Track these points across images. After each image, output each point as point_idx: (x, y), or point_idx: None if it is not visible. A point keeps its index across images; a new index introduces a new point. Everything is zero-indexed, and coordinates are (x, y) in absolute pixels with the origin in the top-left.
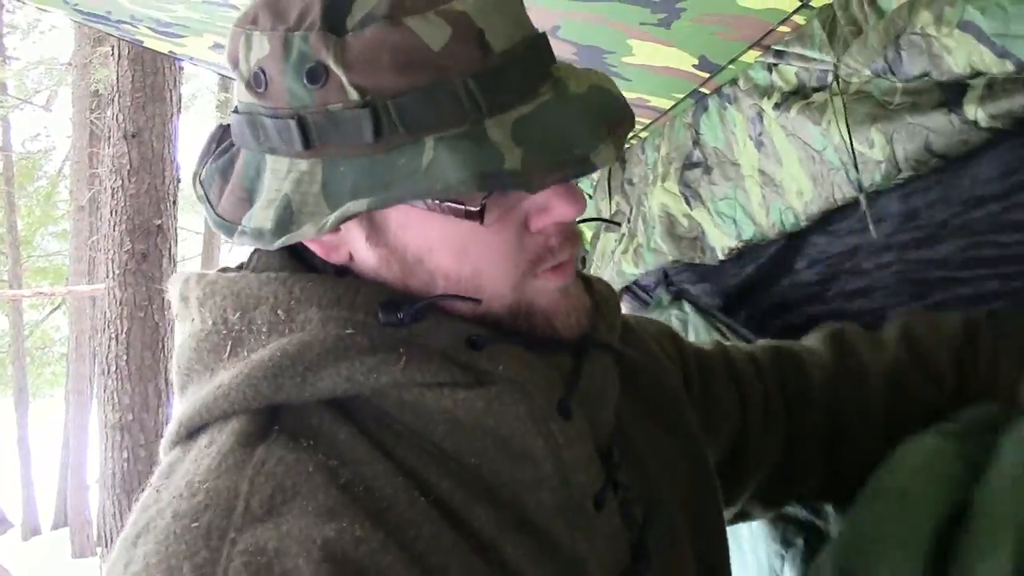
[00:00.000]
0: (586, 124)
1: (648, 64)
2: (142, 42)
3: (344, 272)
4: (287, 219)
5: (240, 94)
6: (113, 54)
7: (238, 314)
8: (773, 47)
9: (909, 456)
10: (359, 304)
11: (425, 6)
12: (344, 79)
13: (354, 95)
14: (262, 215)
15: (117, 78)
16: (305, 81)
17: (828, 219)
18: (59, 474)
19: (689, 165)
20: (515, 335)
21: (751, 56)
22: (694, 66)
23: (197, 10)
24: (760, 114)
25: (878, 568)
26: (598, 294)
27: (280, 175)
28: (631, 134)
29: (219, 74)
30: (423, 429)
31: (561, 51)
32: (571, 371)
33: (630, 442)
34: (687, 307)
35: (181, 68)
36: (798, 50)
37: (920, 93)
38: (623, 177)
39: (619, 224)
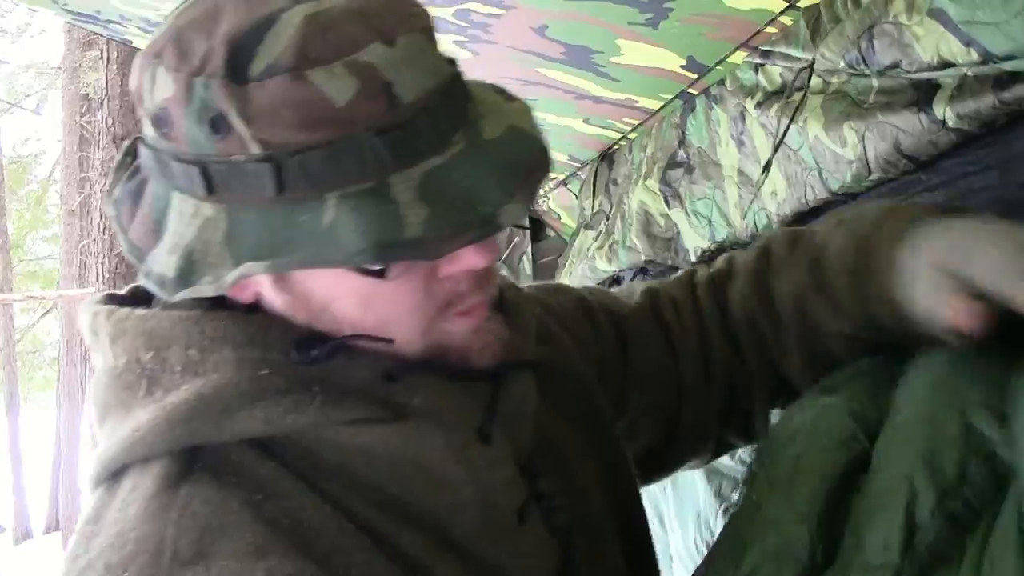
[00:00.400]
0: (496, 177)
1: (636, 64)
2: (131, 42)
3: (255, 307)
4: (188, 270)
5: (146, 127)
6: (102, 58)
7: (151, 354)
8: (760, 47)
9: (796, 418)
10: (272, 343)
11: (332, 56)
12: (245, 133)
13: (256, 149)
14: (165, 261)
15: (106, 82)
16: (207, 130)
17: (800, 221)
18: (51, 478)
19: (672, 164)
20: (432, 366)
21: (739, 57)
22: (682, 67)
23: None
24: (743, 113)
25: (766, 537)
26: (511, 306)
27: (186, 217)
28: (620, 136)
29: None
30: (344, 462)
31: (549, 50)
32: (490, 395)
33: (551, 445)
34: None
35: None
36: (783, 49)
37: (894, 92)
38: (609, 177)
39: (525, 228)
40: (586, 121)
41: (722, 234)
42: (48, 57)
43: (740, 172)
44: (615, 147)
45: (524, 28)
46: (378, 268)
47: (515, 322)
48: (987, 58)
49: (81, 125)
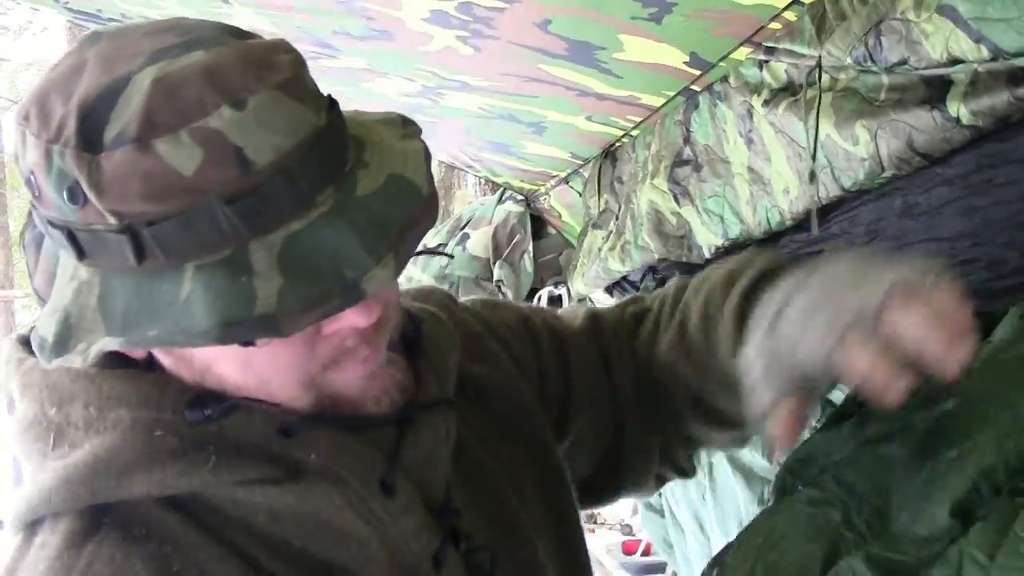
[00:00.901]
0: (364, 240)
1: (639, 61)
2: None
3: (151, 366)
4: (65, 335)
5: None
6: None
7: (54, 409)
8: (764, 44)
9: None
10: (166, 403)
11: (177, 124)
12: (98, 204)
13: (111, 220)
14: (48, 322)
15: None
16: (66, 199)
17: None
18: None
19: (679, 162)
20: (329, 417)
21: (742, 53)
22: (685, 63)
23: (188, 6)
24: (750, 111)
25: None
26: (428, 341)
27: (66, 277)
28: (623, 133)
29: None
30: (247, 517)
31: (551, 46)
32: (394, 442)
33: (478, 473)
34: None
35: None
36: (787, 46)
37: (905, 89)
38: (613, 175)
39: (448, 255)
40: (588, 118)
41: (735, 231)
42: (49, 55)
43: (751, 169)
44: (617, 144)
45: (527, 23)
46: (244, 341)
47: (431, 359)
48: (998, 54)
49: None
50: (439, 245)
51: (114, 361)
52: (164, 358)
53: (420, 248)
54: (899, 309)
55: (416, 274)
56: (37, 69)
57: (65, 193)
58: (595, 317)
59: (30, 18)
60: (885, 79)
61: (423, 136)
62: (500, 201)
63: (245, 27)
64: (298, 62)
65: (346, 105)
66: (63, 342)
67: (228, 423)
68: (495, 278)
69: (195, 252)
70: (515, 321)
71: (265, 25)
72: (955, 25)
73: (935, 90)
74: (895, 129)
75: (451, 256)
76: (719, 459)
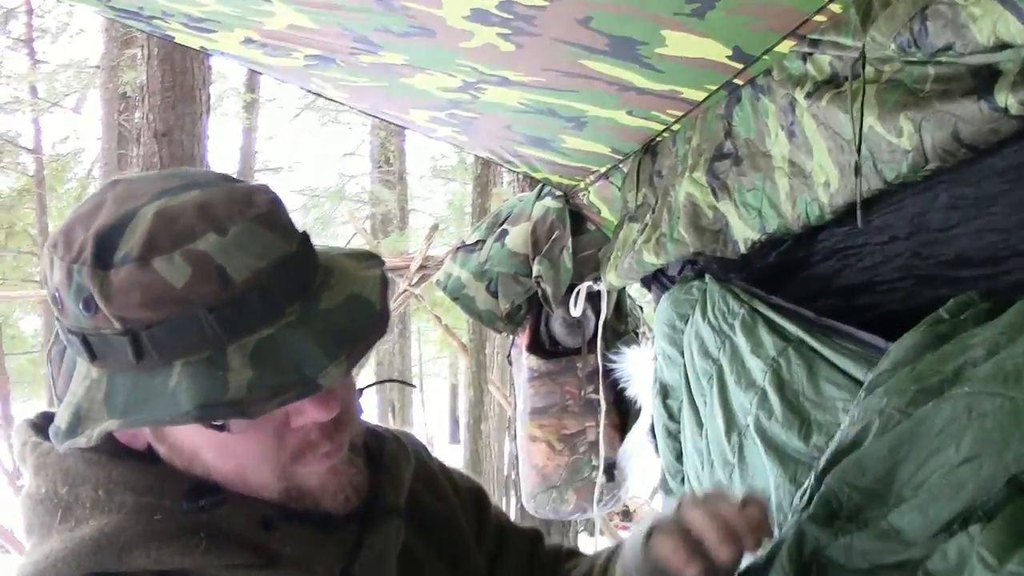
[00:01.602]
0: (322, 345)
1: (681, 55)
2: (173, 37)
3: (155, 459)
4: (75, 424)
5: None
6: (143, 54)
7: (66, 488)
8: (808, 36)
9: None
10: (166, 492)
11: (171, 246)
12: (106, 311)
13: (116, 324)
14: (63, 413)
15: (147, 78)
16: (81, 308)
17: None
18: None
19: (719, 156)
20: (304, 514)
21: (786, 46)
22: (728, 57)
23: (228, 3)
24: (792, 104)
25: None
26: (388, 455)
27: (81, 377)
28: (663, 128)
29: (250, 69)
30: None
31: (593, 42)
32: (354, 540)
33: (416, 573)
34: (707, 278)
35: (210, 68)
36: (832, 38)
37: (951, 80)
38: (652, 169)
39: (412, 385)
40: (629, 113)
41: (772, 225)
42: (87, 56)
43: (791, 163)
44: (658, 139)
45: (568, 20)
46: (219, 424)
47: (390, 472)
48: None
49: (120, 123)
50: (478, 242)
51: (121, 453)
52: (160, 447)
53: (458, 244)
54: (689, 508)
55: (455, 271)
56: (75, 71)
57: (81, 304)
58: (539, 534)
59: (67, 19)
60: (931, 70)
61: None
62: (539, 197)
63: (285, 24)
64: (274, 201)
65: (386, 100)
66: (73, 428)
67: (218, 513)
68: (534, 274)
69: (182, 352)
70: (474, 490)
71: (306, 21)
72: (1004, 7)
73: (982, 80)
74: (940, 120)
75: (412, 385)
76: (749, 439)
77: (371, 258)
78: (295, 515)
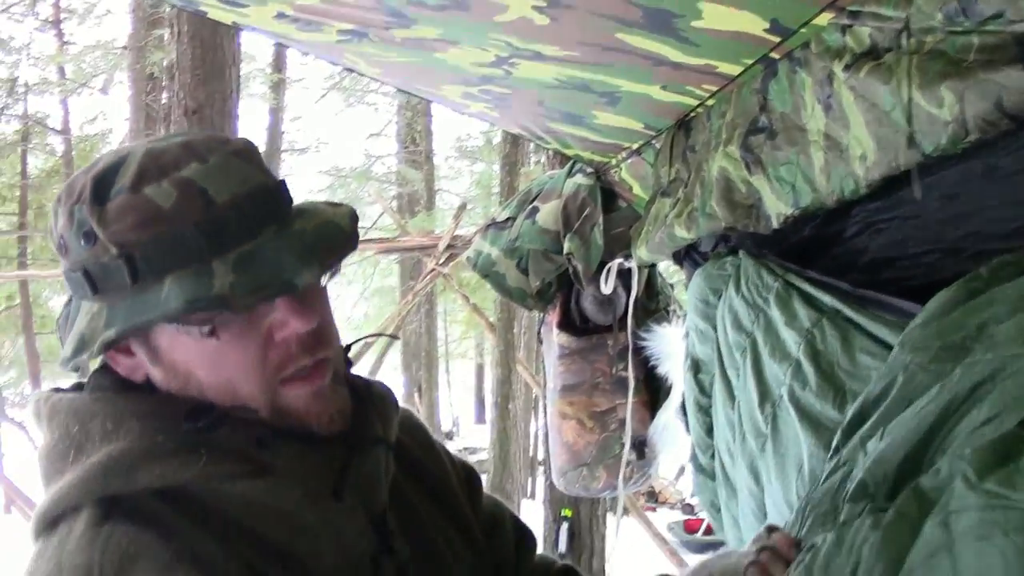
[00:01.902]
0: (297, 254)
1: (718, 28)
2: (206, 12)
3: (155, 389)
4: (79, 348)
5: (60, 259)
6: (172, 32)
7: (77, 427)
8: (847, 8)
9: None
10: (168, 415)
11: (159, 176)
12: (103, 237)
13: (113, 249)
14: (68, 346)
15: (177, 56)
16: (83, 242)
17: (889, 186)
18: None
19: (754, 130)
20: (294, 435)
21: (824, 18)
22: (765, 30)
23: None
24: (830, 76)
25: None
26: (376, 396)
27: (84, 315)
28: (698, 103)
29: (280, 45)
30: (226, 509)
31: (628, 14)
32: (343, 463)
33: (413, 517)
34: (741, 253)
35: (239, 46)
36: (873, 9)
37: (995, 49)
38: (686, 145)
39: (395, 337)
40: (664, 88)
41: (806, 200)
42: (114, 37)
43: (827, 136)
44: (692, 114)
45: None
46: (208, 329)
47: (376, 408)
48: None
49: (147, 104)
50: (508, 219)
51: (125, 388)
52: (157, 372)
53: (488, 222)
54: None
55: (485, 248)
56: (103, 51)
57: (82, 238)
58: (534, 541)
59: (94, 1)
60: (975, 39)
61: (500, 104)
62: (570, 174)
63: None
64: (251, 144)
65: (419, 76)
66: (78, 351)
67: (217, 433)
68: (565, 251)
69: (172, 266)
70: (468, 467)
71: None
72: None
73: None
74: (983, 90)
75: (394, 337)
76: (783, 409)
77: (342, 205)
78: (287, 435)
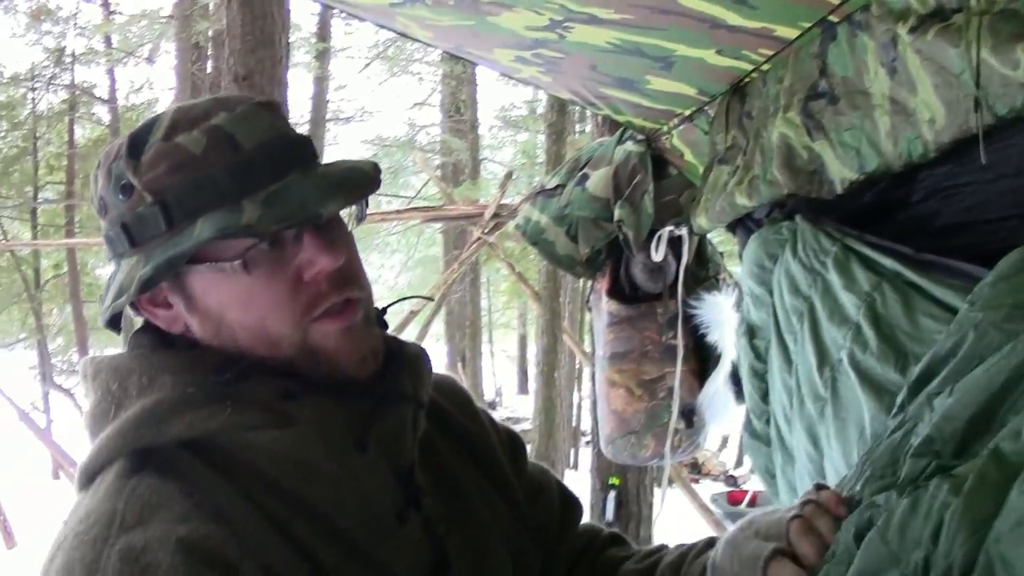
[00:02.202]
0: (321, 189)
1: None
2: None
3: (193, 346)
4: (118, 295)
5: (101, 222)
6: None
7: (116, 384)
8: None
9: None
10: (198, 368)
11: (190, 126)
12: (139, 186)
13: (148, 197)
14: (109, 296)
15: (227, 22)
16: (120, 196)
17: (959, 150)
18: None
19: (814, 96)
20: (321, 388)
21: None
22: None
23: None
24: (894, 39)
25: None
26: (407, 355)
27: (124, 270)
28: (753, 68)
29: (328, 7)
30: (252, 460)
31: None
32: (369, 416)
33: (448, 477)
34: (797, 218)
35: (288, 12)
36: None
37: None
38: (742, 111)
39: (430, 299)
40: (719, 52)
41: (872, 164)
42: (160, 6)
43: (892, 100)
44: (747, 80)
45: None
46: (240, 262)
47: (407, 366)
48: None
49: (193, 73)
50: (557, 187)
51: (162, 345)
52: (192, 319)
53: (537, 189)
54: (802, 537)
55: (535, 215)
56: (149, 21)
57: (119, 192)
58: (581, 509)
59: None
60: None
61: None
62: (620, 141)
63: None
64: (277, 102)
65: (471, 40)
66: (117, 297)
67: (244, 386)
68: (615, 218)
69: (204, 208)
70: (511, 430)
71: None
72: None
73: None
74: None
75: (429, 299)
76: (843, 373)
77: (366, 159)
78: (314, 388)
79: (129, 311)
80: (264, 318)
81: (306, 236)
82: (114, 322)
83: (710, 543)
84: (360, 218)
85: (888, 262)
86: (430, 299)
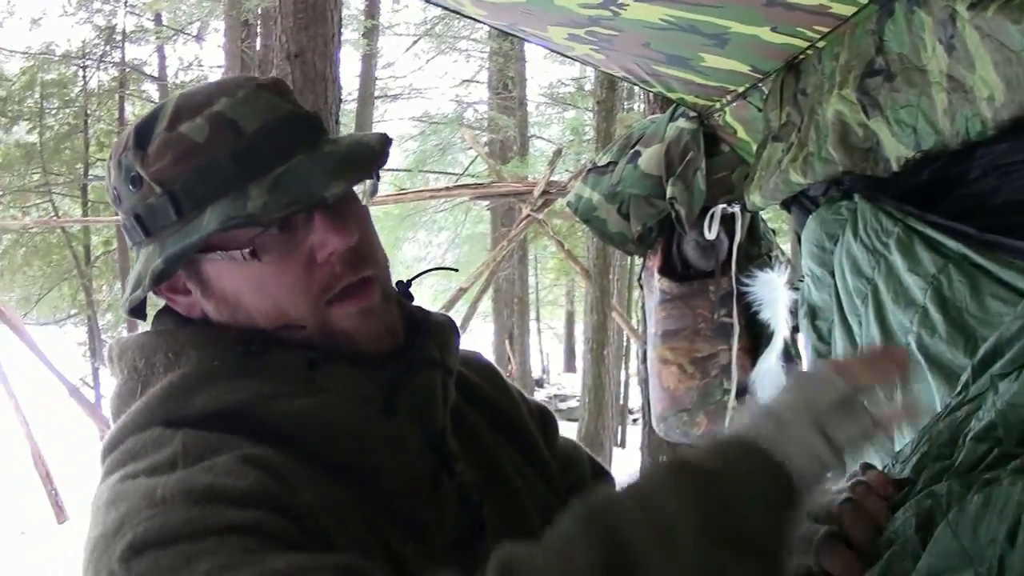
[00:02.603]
0: (326, 169)
1: None
2: None
3: (209, 324)
4: (136, 285)
5: (118, 212)
6: None
7: (143, 361)
8: None
9: None
10: (223, 342)
11: (193, 114)
12: (147, 177)
13: (157, 188)
14: (128, 287)
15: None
16: (131, 187)
17: (1013, 127)
18: None
19: (870, 73)
20: (346, 357)
21: None
22: None
23: None
24: (952, 16)
25: None
26: (434, 324)
27: (142, 259)
28: (808, 45)
29: None
30: (283, 426)
31: None
32: (396, 381)
33: (480, 446)
34: (856, 198)
35: None
36: None
37: None
38: (796, 88)
39: (455, 270)
40: (774, 29)
41: (929, 142)
42: None
43: (950, 78)
44: (802, 56)
45: None
46: (250, 250)
47: (433, 334)
48: None
49: (242, 51)
50: (609, 164)
51: (185, 323)
52: (209, 305)
53: (589, 166)
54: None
55: (586, 193)
56: None
57: (130, 183)
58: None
59: None
60: None
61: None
62: (672, 118)
63: None
64: (280, 81)
65: (525, 17)
66: (136, 287)
67: (269, 358)
68: (667, 195)
69: (212, 196)
70: (541, 405)
71: None
72: None
73: None
74: None
75: (454, 270)
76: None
77: (376, 132)
78: (337, 358)
79: (152, 295)
80: (279, 302)
81: (316, 217)
82: (137, 311)
83: None
84: (373, 192)
85: (953, 244)
86: (455, 270)
